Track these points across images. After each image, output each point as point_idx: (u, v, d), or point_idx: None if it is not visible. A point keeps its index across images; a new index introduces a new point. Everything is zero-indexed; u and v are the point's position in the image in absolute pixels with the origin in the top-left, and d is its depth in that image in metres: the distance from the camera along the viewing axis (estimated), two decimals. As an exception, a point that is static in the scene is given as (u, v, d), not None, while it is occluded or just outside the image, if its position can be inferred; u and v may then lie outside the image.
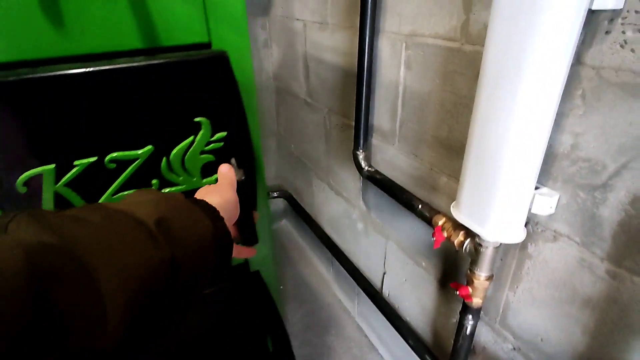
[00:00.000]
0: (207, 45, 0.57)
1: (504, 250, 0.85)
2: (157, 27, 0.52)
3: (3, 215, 0.29)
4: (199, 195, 0.45)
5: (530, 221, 0.77)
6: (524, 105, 0.61)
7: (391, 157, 1.15)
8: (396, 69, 1.04)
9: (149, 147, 0.55)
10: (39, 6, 0.45)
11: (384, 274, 1.38)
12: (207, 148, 0.59)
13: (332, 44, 1.33)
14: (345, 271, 1.56)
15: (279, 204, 2.24)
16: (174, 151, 0.56)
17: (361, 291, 1.46)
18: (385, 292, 1.40)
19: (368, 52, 1.07)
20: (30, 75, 0.45)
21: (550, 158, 0.70)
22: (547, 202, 0.70)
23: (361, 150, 1.20)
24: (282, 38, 1.71)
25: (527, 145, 0.64)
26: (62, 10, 0.47)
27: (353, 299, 1.69)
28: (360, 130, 1.17)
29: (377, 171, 1.17)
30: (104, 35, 0.50)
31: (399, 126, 1.09)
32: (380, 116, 1.15)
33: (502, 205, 0.71)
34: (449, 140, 0.92)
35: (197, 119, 0.56)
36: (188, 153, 0.57)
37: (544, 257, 0.76)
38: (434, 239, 0.90)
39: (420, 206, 0.98)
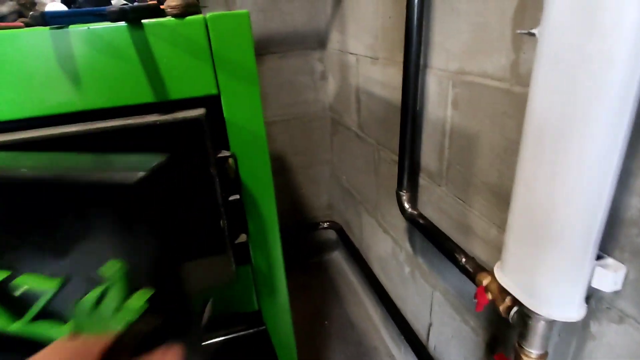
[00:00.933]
0: (217, 97, 0.58)
1: (562, 324, 0.71)
2: (166, 81, 0.54)
3: None
4: None
5: (593, 295, 0.64)
6: (575, 162, 0.51)
7: (437, 199, 1.06)
8: (443, 107, 0.97)
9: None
10: (56, 63, 0.50)
11: (430, 325, 1.26)
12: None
13: (382, 78, 1.29)
14: (391, 316, 1.46)
15: (330, 234, 2.21)
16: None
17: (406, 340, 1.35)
18: (431, 345, 1.27)
19: (413, 88, 1.02)
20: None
21: (616, 224, 0.58)
22: (610, 277, 0.57)
23: (405, 191, 1.12)
24: (337, 71, 1.72)
25: (581, 207, 0.53)
26: (78, 68, 0.51)
27: (399, 345, 1.57)
28: (404, 169, 1.11)
29: (420, 214, 1.09)
30: (116, 91, 0.53)
31: (446, 167, 1.00)
32: (428, 155, 1.08)
33: (553, 275, 0.60)
34: (498, 188, 0.82)
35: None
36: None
37: (609, 339, 0.63)
38: (476, 300, 0.80)
39: (464, 260, 0.88)
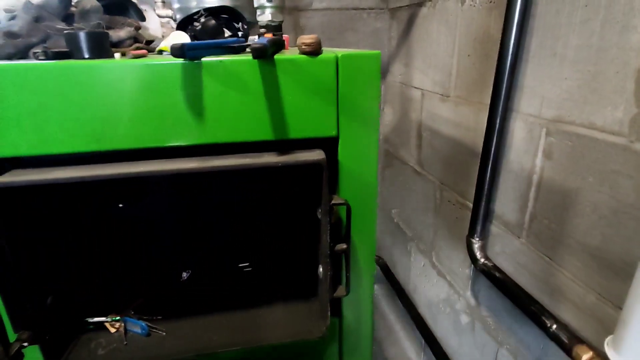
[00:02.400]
0: (335, 139, 0.55)
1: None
2: (288, 120, 0.51)
3: None
4: None
5: None
6: None
7: (515, 252, 0.98)
8: (531, 156, 0.90)
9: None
10: (184, 101, 0.48)
11: (491, 386, 1.15)
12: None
13: (452, 117, 1.24)
14: (440, 365, 1.36)
15: (371, 267, 2.13)
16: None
17: (458, 397, 1.25)
18: (490, 408, 1.16)
19: (497, 133, 0.96)
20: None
21: None
22: None
23: (477, 239, 1.05)
24: (397, 103, 1.69)
25: None
26: (204, 100, 0.49)
27: (446, 400, 1.46)
28: (478, 215, 1.04)
29: (495, 266, 1.01)
30: (236, 126, 0.51)
31: (529, 219, 0.93)
32: (505, 203, 1.01)
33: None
34: (601, 252, 0.74)
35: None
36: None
37: None
38: (575, 378, 0.71)
39: (554, 327, 0.79)
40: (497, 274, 0.98)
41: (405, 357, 1.76)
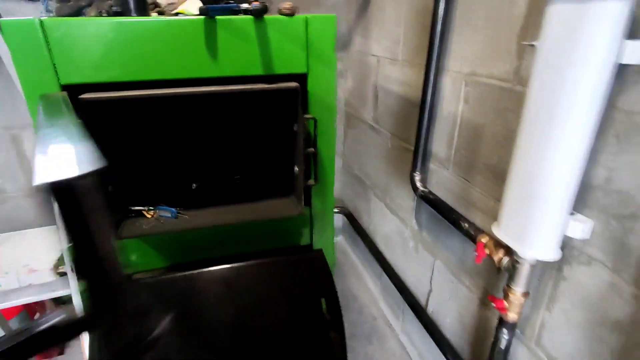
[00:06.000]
0: (305, 75, 0.77)
1: (541, 270, 0.92)
2: (273, 60, 0.73)
3: None
4: None
5: (567, 245, 0.85)
6: (558, 141, 0.72)
7: (444, 181, 1.27)
8: (455, 103, 1.18)
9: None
10: (204, 46, 0.69)
11: (430, 291, 1.46)
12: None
13: (400, 77, 1.50)
14: (393, 287, 1.67)
15: (337, 220, 2.41)
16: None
17: (406, 307, 1.55)
18: (430, 309, 1.47)
19: (432, 87, 1.23)
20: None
21: (586, 188, 0.79)
22: (580, 227, 0.78)
23: (418, 172, 1.33)
24: (357, 70, 1.92)
25: (561, 175, 0.74)
26: (218, 45, 0.70)
27: (397, 314, 1.78)
28: (418, 154, 1.31)
29: (430, 192, 1.30)
30: (240, 64, 0.73)
31: (454, 153, 1.21)
32: (438, 143, 1.29)
33: (538, 226, 0.81)
34: (497, 169, 1.03)
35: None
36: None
37: (578, 279, 0.84)
38: (477, 254, 1.00)
39: (466, 225, 1.09)
40: (432, 197, 1.26)
41: (366, 288, 2.07)
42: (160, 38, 0.77)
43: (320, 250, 0.90)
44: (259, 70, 0.77)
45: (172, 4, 0.85)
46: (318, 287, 0.83)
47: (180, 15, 0.82)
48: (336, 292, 0.83)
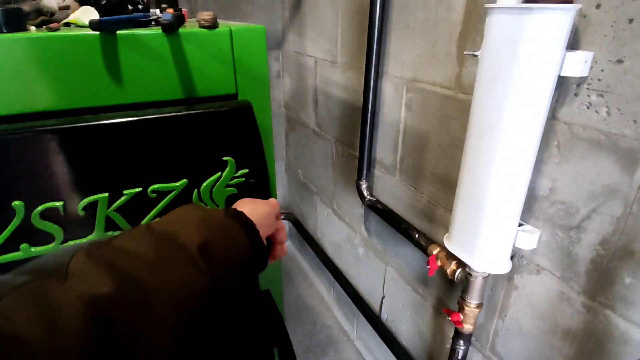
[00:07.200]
0: (235, 96, 0.67)
1: (493, 280, 0.92)
2: (194, 81, 0.62)
3: (65, 251, 0.33)
4: (238, 205, 0.48)
5: (516, 255, 0.84)
6: (504, 153, 0.70)
7: (392, 188, 1.24)
8: (398, 109, 1.14)
9: (184, 180, 0.64)
10: (102, 63, 0.55)
11: (383, 298, 1.44)
12: (231, 182, 0.68)
13: (341, 81, 1.44)
14: (345, 294, 1.63)
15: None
16: (204, 184, 0.66)
17: (360, 314, 1.52)
18: (384, 315, 1.45)
19: (372, 92, 1.18)
20: (93, 123, 0.55)
21: (532, 199, 0.78)
22: (529, 238, 0.77)
23: (364, 180, 1.28)
24: (294, 71, 1.83)
25: (508, 187, 0.72)
26: (121, 66, 0.57)
27: (352, 322, 1.75)
28: (363, 162, 1.27)
29: (378, 200, 1.26)
30: (152, 88, 0.60)
31: (400, 160, 1.18)
32: (383, 150, 1.25)
33: (488, 239, 0.79)
34: (444, 177, 1.01)
35: (224, 158, 0.65)
36: (215, 186, 0.67)
37: (529, 289, 0.83)
38: (429, 267, 0.98)
39: (417, 236, 1.06)
40: (380, 206, 1.23)
41: (319, 296, 2.01)
42: (44, 58, 0.59)
43: (267, 292, 0.81)
44: (177, 94, 0.65)
45: (64, 9, 0.69)
46: (269, 333, 0.74)
47: (72, 25, 0.66)
48: (289, 340, 0.76)
